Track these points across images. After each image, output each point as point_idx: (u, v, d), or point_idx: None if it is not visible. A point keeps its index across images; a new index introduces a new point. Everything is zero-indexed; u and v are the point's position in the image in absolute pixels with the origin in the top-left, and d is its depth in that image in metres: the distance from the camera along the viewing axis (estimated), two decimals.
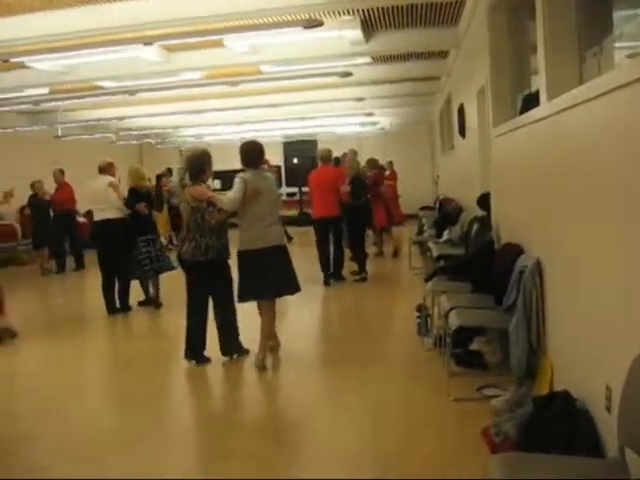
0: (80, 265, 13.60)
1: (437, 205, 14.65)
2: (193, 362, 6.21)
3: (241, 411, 5.27)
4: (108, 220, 8.89)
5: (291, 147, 21.80)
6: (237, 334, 6.29)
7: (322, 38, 9.06)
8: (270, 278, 5.98)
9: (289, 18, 6.48)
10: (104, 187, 9.02)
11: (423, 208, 15.91)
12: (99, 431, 4.76)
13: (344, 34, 8.75)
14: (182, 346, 6.26)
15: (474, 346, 5.63)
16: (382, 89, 14.44)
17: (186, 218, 6.09)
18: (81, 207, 13.72)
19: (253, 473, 3.93)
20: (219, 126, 17.46)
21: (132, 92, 10.48)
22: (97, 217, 9.16)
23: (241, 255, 5.99)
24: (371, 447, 4.21)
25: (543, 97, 4.28)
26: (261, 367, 5.93)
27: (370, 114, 16.30)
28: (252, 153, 6.23)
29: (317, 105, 15.63)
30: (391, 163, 18.60)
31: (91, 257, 10.99)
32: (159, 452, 4.34)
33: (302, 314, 8.30)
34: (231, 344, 6.29)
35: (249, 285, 5.98)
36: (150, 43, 6.66)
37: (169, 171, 16.31)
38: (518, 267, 4.77)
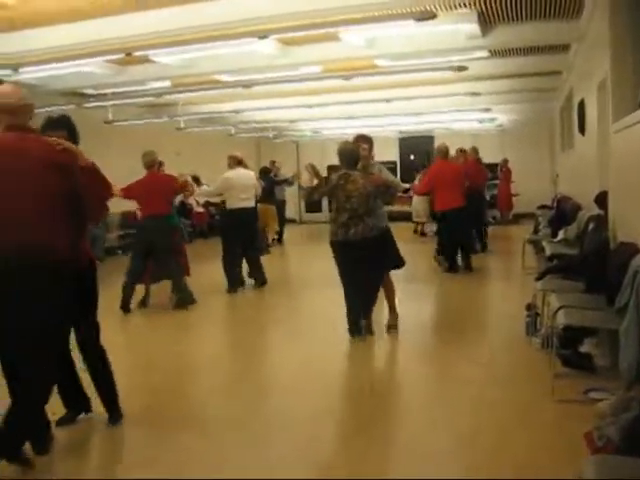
0: None
1: (555, 204, 14.22)
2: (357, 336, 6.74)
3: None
4: (253, 208, 10.19)
5: (407, 143, 21.68)
6: None
7: (438, 32, 8.96)
8: None
9: (404, 11, 6.40)
10: (253, 179, 10.35)
11: (541, 207, 15.46)
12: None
13: (460, 28, 8.64)
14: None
15: (584, 348, 5.46)
16: (500, 84, 14.09)
17: (358, 202, 6.56)
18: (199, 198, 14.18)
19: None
20: (335, 120, 17.57)
21: (248, 85, 10.71)
22: (240, 205, 10.00)
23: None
24: (467, 443, 4.15)
25: None
26: None
27: (487, 109, 15.95)
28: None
29: (432, 100, 15.46)
30: (506, 161, 18.24)
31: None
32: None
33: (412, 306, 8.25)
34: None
35: None
36: (265, 36, 6.74)
37: (273, 164, 16.62)
38: (633, 267, 4.57)
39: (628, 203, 5.64)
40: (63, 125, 4.60)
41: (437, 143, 17.47)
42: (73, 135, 4.59)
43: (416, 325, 7.52)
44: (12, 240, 3.80)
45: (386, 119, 17.23)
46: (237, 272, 10.18)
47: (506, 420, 4.54)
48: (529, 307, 6.49)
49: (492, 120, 18.79)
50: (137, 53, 7.47)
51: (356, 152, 6.89)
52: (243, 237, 10.08)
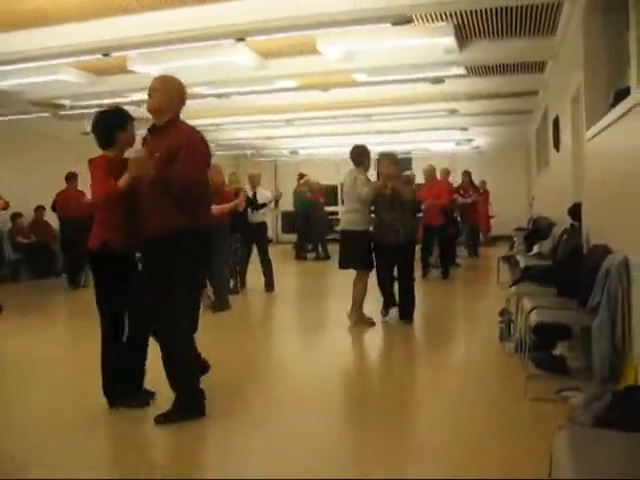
0: None
1: (530, 225, 14.33)
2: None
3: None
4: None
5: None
6: None
7: (415, 46, 9.01)
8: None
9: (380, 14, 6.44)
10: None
11: (517, 229, 15.56)
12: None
13: (437, 42, 8.70)
14: None
15: (557, 351, 5.45)
16: (477, 105, 14.25)
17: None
18: None
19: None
20: (311, 139, 17.64)
21: (225, 96, 10.73)
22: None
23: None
24: (440, 443, 4.10)
25: (633, 84, 4.11)
26: None
27: (464, 129, 16.10)
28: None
29: (411, 120, 15.60)
30: (484, 182, 18.38)
31: None
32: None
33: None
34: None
35: None
36: (242, 39, 6.76)
37: None
38: (604, 267, 4.58)
39: (601, 207, 5.67)
40: None
41: (415, 165, 17.76)
42: None
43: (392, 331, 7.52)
44: None
45: (364, 138, 17.26)
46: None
47: (480, 419, 4.50)
48: (502, 313, 6.49)
49: (469, 141, 18.95)
50: (116, 54, 7.39)
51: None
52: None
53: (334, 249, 10.00)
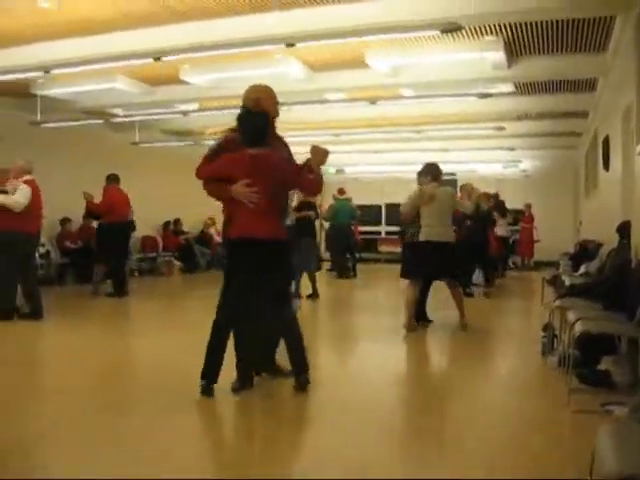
0: None
1: (577, 249, 14.09)
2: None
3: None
4: None
5: None
6: None
7: (463, 60, 9.05)
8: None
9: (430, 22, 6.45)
10: None
11: (563, 254, 15.33)
12: None
13: (486, 56, 8.69)
14: None
15: (602, 365, 5.32)
16: (525, 125, 14.17)
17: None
18: None
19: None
20: (358, 155, 17.67)
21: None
22: None
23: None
24: (486, 445, 4.02)
25: None
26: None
27: (512, 149, 15.99)
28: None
29: (458, 140, 15.60)
30: (529, 206, 18.18)
31: None
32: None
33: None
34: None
35: None
36: (292, 45, 6.81)
37: None
38: None
39: None
40: None
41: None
42: None
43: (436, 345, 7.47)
44: None
45: (411, 156, 17.31)
46: None
47: (522, 426, 4.41)
48: (546, 327, 6.37)
49: (516, 164, 18.79)
50: (166, 58, 7.54)
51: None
52: None
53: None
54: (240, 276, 4.89)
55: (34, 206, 8.33)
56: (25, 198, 8.17)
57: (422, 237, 7.66)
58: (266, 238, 4.81)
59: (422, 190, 7.71)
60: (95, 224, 12.07)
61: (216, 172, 4.87)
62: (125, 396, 5.07)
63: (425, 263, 7.70)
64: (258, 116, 4.90)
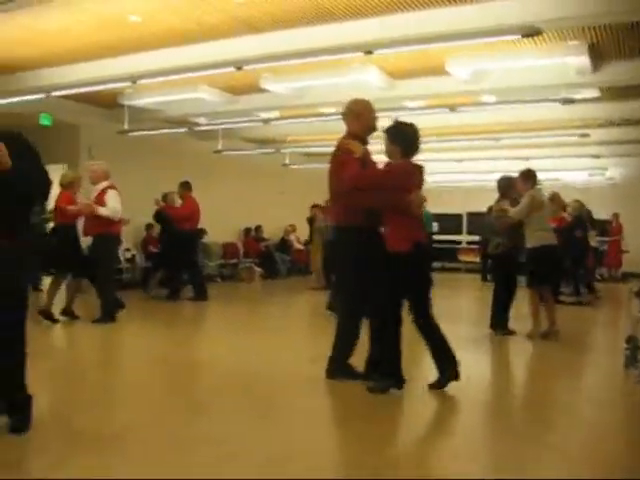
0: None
1: None
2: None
3: None
4: None
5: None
6: None
7: (546, 66, 8.89)
8: None
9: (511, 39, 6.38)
10: None
11: None
12: None
13: (569, 60, 8.52)
14: None
15: None
16: (611, 132, 13.78)
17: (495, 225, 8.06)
18: None
19: None
20: (439, 163, 17.52)
21: None
22: None
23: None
24: (568, 455, 3.94)
25: None
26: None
27: (596, 156, 15.55)
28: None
29: (540, 148, 15.30)
30: (616, 215, 17.63)
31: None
32: None
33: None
34: None
35: None
36: (370, 52, 6.86)
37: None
38: None
39: None
40: None
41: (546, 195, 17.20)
42: None
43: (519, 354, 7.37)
44: None
45: (492, 164, 17.09)
46: None
47: (605, 437, 4.29)
48: (629, 340, 6.18)
49: (602, 172, 18.25)
50: (247, 67, 7.73)
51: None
52: None
53: None
54: (421, 282, 5.16)
55: None
56: (119, 203, 8.46)
57: (537, 242, 7.57)
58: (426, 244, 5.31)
59: (533, 196, 7.63)
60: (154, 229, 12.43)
61: (386, 181, 5.01)
62: (201, 397, 5.19)
63: (555, 268, 8.04)
64: (412, 127, 5.15)
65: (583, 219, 11.66)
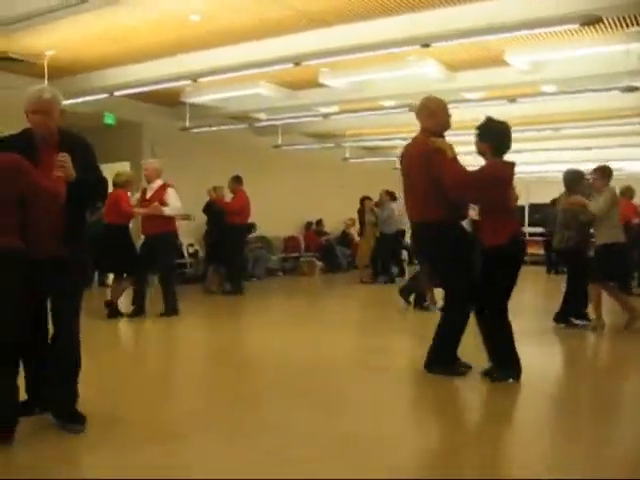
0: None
1: None
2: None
3: None
4: None
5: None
6: None
7: (606, 54, 8.73)
8: None
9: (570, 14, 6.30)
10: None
11: None
12: None
13: (632, 48, 8.35)
14: None
15: None
16: None
17: (559, 217, 8.01)
18: None
19: None
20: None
21: (412, 107, 10.86)
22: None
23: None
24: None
25: None
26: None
27: None
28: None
29: (601, 137, 15.04)
30: None
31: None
32: None
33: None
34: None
35: None
36: (427, 45, 6.88)
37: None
38: None
39: None
40: None
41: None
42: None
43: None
44: None
45: (552, 155, 16.84)
46: None
47: None
48: None
49: None
50: (305, 63, 7.86)
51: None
52: None
53: None
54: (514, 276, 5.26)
55: None
56: (179, 201, 8.62)
57: (609, 239, 7.51)
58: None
59: (614, 193, 7.64)
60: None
61: (484, 181, 5.16)
62: (261, 386, 5.31)
63: (622, 265, 7.95)
64: (502, 125, 5.30)
65: None
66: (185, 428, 4.08)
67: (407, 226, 11.24)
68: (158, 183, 8.64)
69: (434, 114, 5.33)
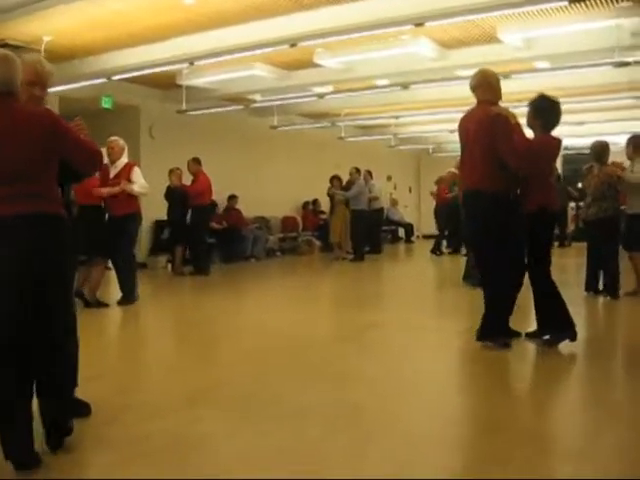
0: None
1: None
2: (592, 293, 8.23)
3: None
4: None
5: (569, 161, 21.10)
6: None
7: (598, 29, 8.79)
8: None
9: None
10: None
11: None
12: None
13: (623, 22, 8.44)
14: None
15: None
16: None
17: (593, 189, 7.91)
18: None
19: None
20: None
21: (405, 86, 11.01)
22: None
23: None
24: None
25: None
26: None
27: None
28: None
29: (595, 112, 15.14)
30: None
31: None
32: None
33: None
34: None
35: None
36: (421, 24, 6.98)
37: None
38: None
39: None
40: None
41: None
42: None
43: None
44: None
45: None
46: None
47: None
48: None
49: None
50: (301, 44, 7.96)
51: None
52: None
53: None
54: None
55: None
56: (142, 179, 8.25)
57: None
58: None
59: None
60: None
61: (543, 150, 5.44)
62: (262, 359, 5.45)
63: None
64: (552, 102, 5.53)
65: None
66: (197, 400, 4.21)
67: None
68: (123, 162, 8.26)
69: (492, 86, 5.47)
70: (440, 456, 3.29)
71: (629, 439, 3.49)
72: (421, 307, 8.50)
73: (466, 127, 5.47)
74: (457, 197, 9.78)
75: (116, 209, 8.04)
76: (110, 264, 8.42)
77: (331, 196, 14.83)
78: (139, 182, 8.15)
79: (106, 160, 7.86)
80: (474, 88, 5.52)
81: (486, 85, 5.45)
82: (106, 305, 7.98)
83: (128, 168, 8.20)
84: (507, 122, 5.15)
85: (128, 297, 8.14)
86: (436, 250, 15.44)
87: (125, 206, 8.02)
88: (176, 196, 11.69)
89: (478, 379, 4.88)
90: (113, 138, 8.29)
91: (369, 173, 15.86)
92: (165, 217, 12.13)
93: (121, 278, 8.25)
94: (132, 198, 8.15)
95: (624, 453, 3.30)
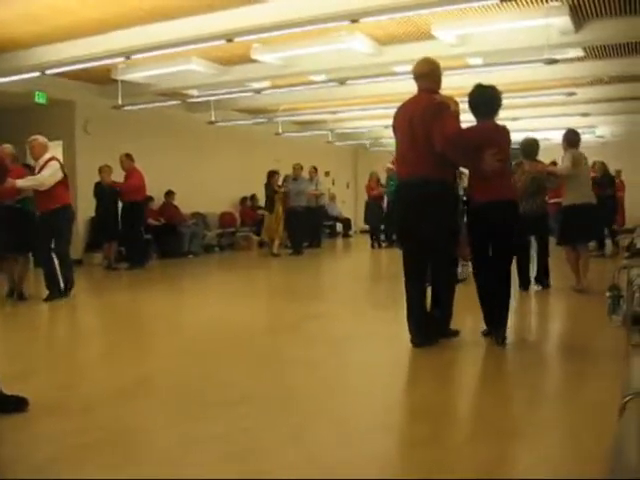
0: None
1: None
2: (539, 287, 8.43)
3: None
4: None
5: None
6: None
7: (529, 28, 9.04)
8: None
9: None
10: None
11: None
12: None
13: (552, 22, 8.68)
14: None
15: None
16: (598, 90, 13.95)
17: (524, 185, 8.02)
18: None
19: None
20: None
21: (342, 82, 11.10)
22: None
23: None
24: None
25: None
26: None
27: (586, 114, 15.74)
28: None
29: (528, 108, 15.49)
30: (619, 172, 17.63)
31: None
32: None
33: None
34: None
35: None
36: (356, 21, 7.06)
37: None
38: None
39: None
40: None
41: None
42: None
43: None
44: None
45: None
46: None
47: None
48: (612, 288, 6.44)
49: (592, 130, 18.39)
50: (237, 39, 7.96)
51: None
52: None
53: None
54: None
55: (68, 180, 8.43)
56: (52, 175, 8.03)
57: (581, 200, 7.95)
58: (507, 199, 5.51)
59: (581, 155, 8.08)
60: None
61: (472, 138, 5.44)
62: (206, 348, 5.48)
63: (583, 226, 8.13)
64: (489, 90, 5.70)
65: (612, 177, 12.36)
66: (144, 388, 4.27)
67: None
68: (45, 158, 8.12)
69: (437, 75, 5.58)
70: (371, 440, 3.39)
71: (555, 419, 3.69)
72: (360, 298, 8.64)
73: (409, 115, 5.34)
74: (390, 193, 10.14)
75: (42, 204, 8.06)
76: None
77: (275, 192, 14.61)
78: (37, 175, 8.01)
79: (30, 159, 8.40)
80: (419, 75, 5.55)
81: (431, 74, 5.54)
82: (25, 299, 8.14)
83: (45, 164, 8.11)
84: (449, 108, 5.22)
85: (53, 293, 8.14)
86: (374, 243, 15.98)
87: (49, 201, 8.00)
88: (106, 193, 11.64)
89: (415, 367, 5.01)
90: (32, 137, 8.26)
91: (314, 169, 15.98)
92: None
93: (45, 274, 8.26)
94: (57, 193, 8.06)
95: (552, 431, 3.48)
